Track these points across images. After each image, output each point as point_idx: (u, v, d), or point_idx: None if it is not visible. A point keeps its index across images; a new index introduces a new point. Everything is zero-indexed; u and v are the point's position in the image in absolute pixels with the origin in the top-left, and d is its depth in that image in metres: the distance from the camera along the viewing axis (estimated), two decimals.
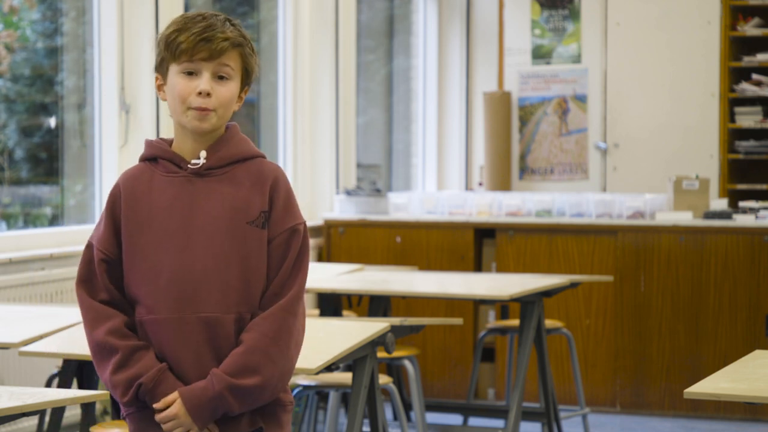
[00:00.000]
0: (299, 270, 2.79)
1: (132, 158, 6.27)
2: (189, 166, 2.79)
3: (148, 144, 2.86)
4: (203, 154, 2.79)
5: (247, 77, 2.83)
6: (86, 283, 2.81)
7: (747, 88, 8.80)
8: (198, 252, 2.74)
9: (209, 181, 2.79)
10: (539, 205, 7.71)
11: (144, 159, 2.85)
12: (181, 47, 2.75)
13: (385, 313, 5.93)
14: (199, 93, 2.75)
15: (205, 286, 2.74)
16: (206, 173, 2.79)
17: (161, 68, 2.81)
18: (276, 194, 2.79)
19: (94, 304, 2.79)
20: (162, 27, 6.35)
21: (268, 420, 2.81)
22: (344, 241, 7.81)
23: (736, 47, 8.91)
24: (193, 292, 2.73)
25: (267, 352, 2.72)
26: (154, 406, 2.73)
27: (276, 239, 2.78)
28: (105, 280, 2.79)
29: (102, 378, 2.79)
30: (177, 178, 2.79)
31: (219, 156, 2.80)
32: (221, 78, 2.77)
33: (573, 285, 5.96)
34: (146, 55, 6.46)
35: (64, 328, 4.29)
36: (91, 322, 2.79)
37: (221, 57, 2.76)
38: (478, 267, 7.67)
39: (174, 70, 2.78)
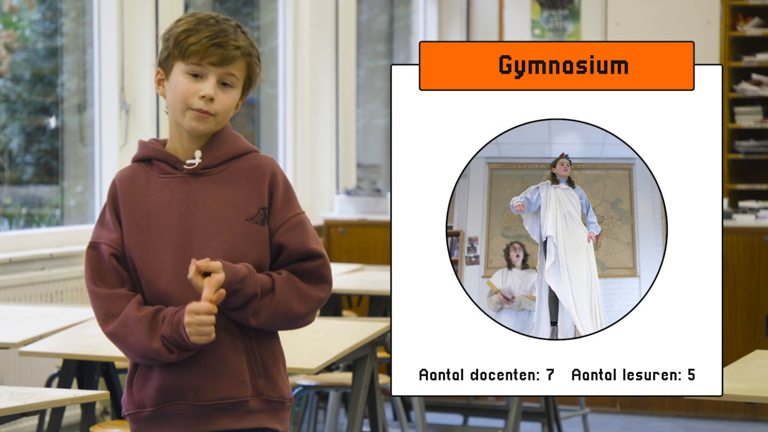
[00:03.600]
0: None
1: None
2: (185, 166, 2.79)
3: (142, 145, 2.85)
4: (198, 153, 2.79)
5: (248, 85, 2.84)
6: (98, 277, 2.79)
7: (747, 88, 8.80)
8: (198, 250, 2.74)
9: (205, 181, 2.79)
10: None
11: (137, 159, 2.85)
12: (192, 48, 2.74)
13: (385, 313, 5.93)
14: (203, 97, 2.75)
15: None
16: (202, 173, 2.79)
17: (165, 64, 2.80)
18: (275, 189, 2.80)
19: (108, 292, 2.76)
20: (162, 27, 6.37)
21: (269, 417, 2.81)
22: (344, 241, 7.81)
23: (736, 47, 8.91)
24: (195, 290, 2.73)
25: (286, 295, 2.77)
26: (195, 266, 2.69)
27: (278, 231, 2.79)
28: (120, 270, 2.78)
29: (139, 350, 2.75)
30: (173, 179, 2.79)
31: (214, 155, 2.80)
32: (225, 85, 2.78)
33: None
34: (146, 55, 6.46)
35: (64, 328, 4.29)
36: (105, 313, 2.76)
37: (230, 65, 2.77)
38: None
39: (179, 68, 2.77)
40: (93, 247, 2.81)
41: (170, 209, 2.77)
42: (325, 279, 2.83)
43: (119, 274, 2.78)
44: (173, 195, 2.78)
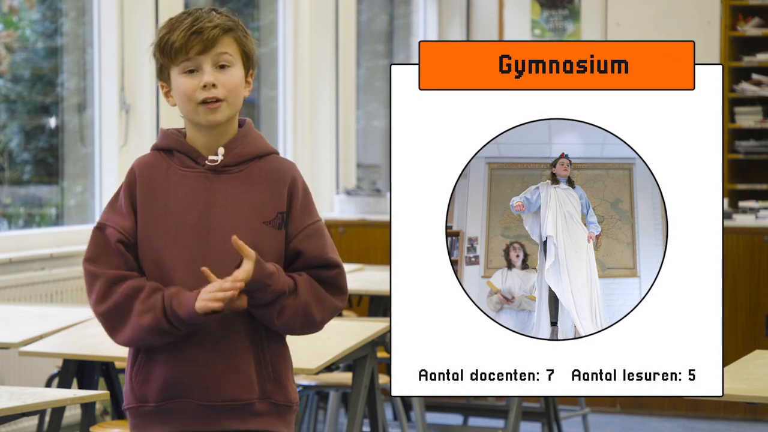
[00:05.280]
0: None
1: (132, 158, 6.27)
2: (207, 162, 2.77)
3: (164, 134, 2.83)
4: (221, 150, 2.78)
5: (248, 60, 2.81)
6: (100, 258, 2.76)
7: (747, 88, 8.80)
8: (215, 249, 2.73)
9: (226, 179, 2.78)
10: None
11: (158, 148, 2.82)
12: (175, 46, 2.74)
13: (385, 313, 5.93)
14: (204, 86, 2.74)
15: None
16: (223, 170, 2.78)
17: (163, 75, 2.80)
18: (294, 194, 2.80)
19: (110, 272, 2.74)
20: None
21: (275, 420, 2.81)
22: (344, 241, 7.81)
23: (736, 47, 8.91)
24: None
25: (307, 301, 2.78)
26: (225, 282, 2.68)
27: (296, 237, 2.78)
28: (127, 256, 2.75)
29: (127, 335, 2.72)
30: (193, 173, 2.78)
31: (236, 153, 2.79)
32: (222, 67, 2.77)
33: None
34: (146, 55, 6.43)
35: (64, 328, 4.29)
36: (103, 292, 2.73)
37: (216, 46, 2.75)
38: None
39: (175, 72, 2.77)
40: (100, 228, 2.78)
41: (189, 205, 2.76)
42: (342, 289, 2.83)
43: (126, 260, 2.76)
44: (193, 190, 2.77)
